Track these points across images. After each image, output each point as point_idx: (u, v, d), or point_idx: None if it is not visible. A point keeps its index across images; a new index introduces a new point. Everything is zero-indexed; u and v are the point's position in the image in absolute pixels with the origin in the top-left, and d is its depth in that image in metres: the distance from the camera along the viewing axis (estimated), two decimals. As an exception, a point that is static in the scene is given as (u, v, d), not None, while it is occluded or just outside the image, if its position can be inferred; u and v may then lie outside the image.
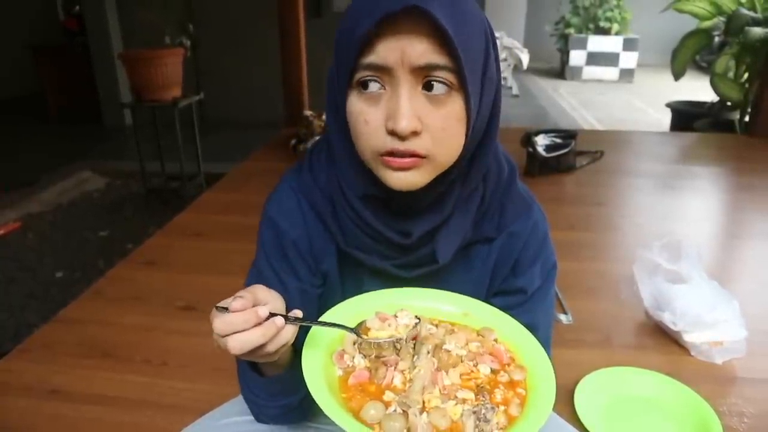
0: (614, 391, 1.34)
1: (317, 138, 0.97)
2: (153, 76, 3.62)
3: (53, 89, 6.24)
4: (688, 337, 1.50)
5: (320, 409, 0.59)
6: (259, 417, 0.86)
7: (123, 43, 5.78)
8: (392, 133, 0.65)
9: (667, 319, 1.55)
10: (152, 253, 2.16)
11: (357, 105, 0.67)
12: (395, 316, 0.72)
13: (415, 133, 0.65)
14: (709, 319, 1.49)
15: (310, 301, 0.83)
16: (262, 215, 0.84)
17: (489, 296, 0.85)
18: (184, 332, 1.62)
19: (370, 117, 0.66)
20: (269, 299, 0.65)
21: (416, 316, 0.72)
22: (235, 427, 0.86)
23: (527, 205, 0.84)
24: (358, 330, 0.70)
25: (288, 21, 3.78)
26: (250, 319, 0.61)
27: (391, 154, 0.66)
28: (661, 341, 1.57)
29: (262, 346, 0.62)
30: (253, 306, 0.62)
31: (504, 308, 0.77)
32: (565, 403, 1.28)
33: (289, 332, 0.64)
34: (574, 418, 1.22)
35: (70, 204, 4.10)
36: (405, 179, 0.68)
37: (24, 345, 1.58)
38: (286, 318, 0.64)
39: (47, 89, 6.24)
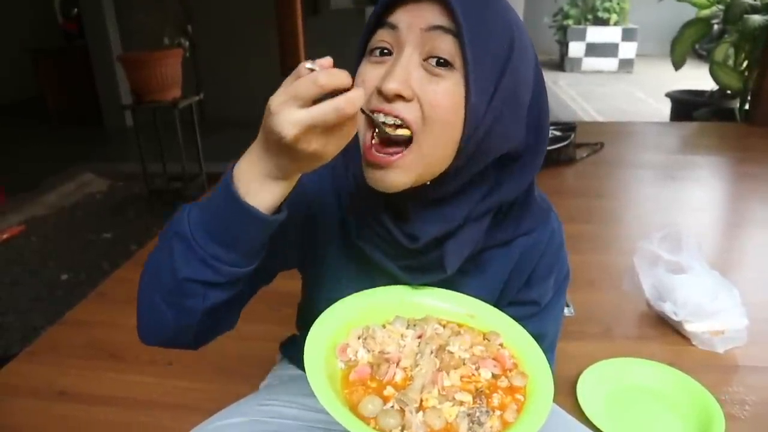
0: (616, 382, 1.35)
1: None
2: (152, 78, 3.63)
3: (53, 92, 6.22)
4: (690, 327, 1.51)
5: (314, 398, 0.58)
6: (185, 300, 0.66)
7: (122, 45, 5.78)
8: (380, 92, 0.65)
9: (668, 309, 1.55)
10: (156, 254, 2.17)
11: (363, 69, 0.69)
12: None
13: (402, 98, 0.64)
14: (710, 309, 1.49)
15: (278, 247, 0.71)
16: None
17: (501, 305, 0.82)
18: (189, 332, 1.63)
19: (368, 77, 0.67)
20: None
21: None
22: (240, 427, 0.85)
23: (544, 214, 0.82)
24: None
25: (286, 19, 3.79)
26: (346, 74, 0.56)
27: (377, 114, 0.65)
28: (662, 331, 1.57)
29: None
30: None
31: (515, 318, 0.75)
32: (568, 395, 1.28)
33: (361, 98, 0.56)
34: (576, 410, 1.23)
35: (73, 207, 4.12)
36: (383, 179, 0.66)
37: (31, 348, 1.60)
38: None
39: (47, 92, 6.23)
